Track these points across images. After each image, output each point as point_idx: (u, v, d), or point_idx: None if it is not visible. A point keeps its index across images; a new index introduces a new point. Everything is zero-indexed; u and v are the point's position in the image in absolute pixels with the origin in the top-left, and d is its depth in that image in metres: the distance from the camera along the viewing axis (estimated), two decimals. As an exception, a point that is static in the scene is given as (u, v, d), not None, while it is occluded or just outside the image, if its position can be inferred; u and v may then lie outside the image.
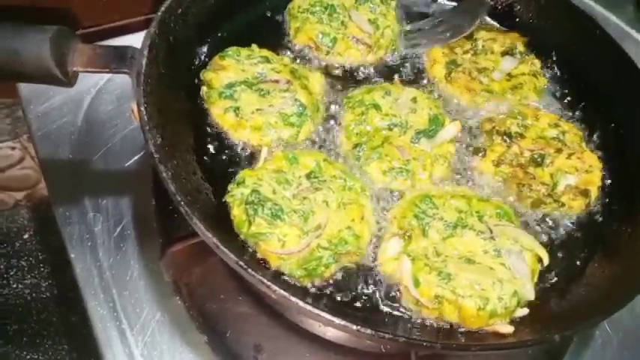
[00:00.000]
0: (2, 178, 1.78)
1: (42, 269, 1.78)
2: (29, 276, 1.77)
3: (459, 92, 1.24)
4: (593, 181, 1.12)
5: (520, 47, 1.33)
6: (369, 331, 0.75)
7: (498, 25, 1.42)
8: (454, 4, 1.42)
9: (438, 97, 1.24)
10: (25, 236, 1.82)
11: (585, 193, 1.10)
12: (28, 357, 1.66)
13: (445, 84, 1.26)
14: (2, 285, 1.74)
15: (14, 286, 1.74)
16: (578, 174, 1.12)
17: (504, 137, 1.17)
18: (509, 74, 1.28)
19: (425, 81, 1.27)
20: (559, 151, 1.15)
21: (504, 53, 1.31)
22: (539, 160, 1.14)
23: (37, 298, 1.72)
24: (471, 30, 1.30)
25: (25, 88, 1.35)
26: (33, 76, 0.92)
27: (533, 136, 1.18)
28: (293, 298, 0.77)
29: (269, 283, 0.77)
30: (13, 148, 1.73)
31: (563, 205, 1.09)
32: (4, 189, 1.80)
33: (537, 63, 1.32)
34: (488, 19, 1.42)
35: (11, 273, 1.77)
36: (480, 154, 1.15)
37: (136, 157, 1.29)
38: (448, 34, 1.31)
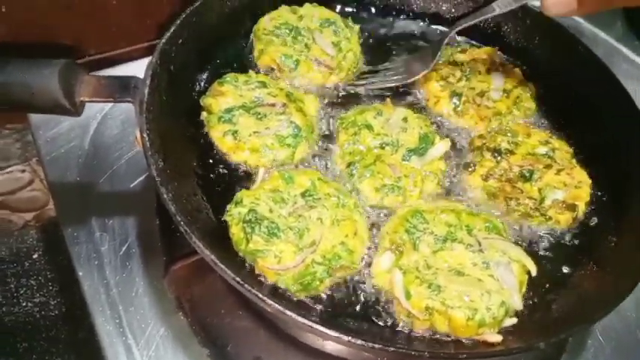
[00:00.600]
0: (12, 200, 1.84)
1: (50, 288, 1.82)
2: (38, 294, 1.81)
3: (474, 123, 1.27)
4: (582, 196, 1.15)
5: (497, 60, 1.39)
6: (359, 341, 0.80)
7: (466, 40, 1.48)
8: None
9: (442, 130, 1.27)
10: (34, 256, 1.87)
11: (572, 208, 1.13)
12: (38, 374, 1.70)
13: (457, 118, 1.28)
14: (12, 304, 1.79)
15: (24, 304, 1.79)
16: (566, 189, 1.14)
17: (494, 153, 1.20)
18: (504, 90, 1.32)
19: (412, 98, 1.32)
20: (548, 167, 1.18)
21: (489, 71, 1.36)
22: (527, 175, 1.17)
23: (46, 315, 1.76)
24: (422, 74, 1.30)
25: (34, 115, 1.41)
26: (43, 107, 0.98)
27: (523, 153, 1.21)
28: (288, 312, 0.81)
29: (264, 297, 0.81)
30: (23, 171, 1.79)
31: (550, 218, 1.12)
32: (14, 210, 1.86)
33: (517, 70, 1.38)
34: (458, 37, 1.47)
35: (21, 292, 1.81)
36: (470, 169, 1.20)
37: (140, 179, 1.35)
38: (401, 77, 1.32)
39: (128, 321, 1.12)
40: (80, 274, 1.18)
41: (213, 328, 1.09)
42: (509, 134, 1.24)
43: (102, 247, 1.22)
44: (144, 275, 1.19)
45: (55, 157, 1.36)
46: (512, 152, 1.21)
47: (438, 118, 1.29)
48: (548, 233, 1.13)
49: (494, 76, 1.35)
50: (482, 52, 1.41)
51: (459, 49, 1.41)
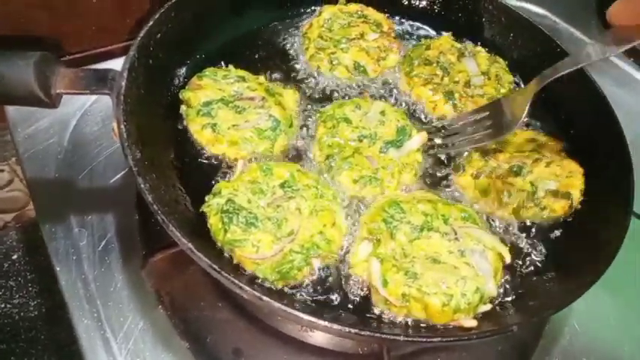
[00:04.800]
0: (-9, 201, 1.82)
1: (30, 289, 1.80)
2: (17, 296, 1.79)
3: None
4: (575, 184, 1.15)
5: (458, 45, 1.42)
6: (335, 326, 0.80)
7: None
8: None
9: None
10: (14, 257, 1.85)
11: (567, 196, 1.13)
12: (17, 376, 1.67)
13: (458, 115, 1.28)
14: (-10, 305, 1.77)
15: (2, 305, 1.76)
16: (558, 179, 1.15)
17: (482, 154, 1.21)
18: (482, 72, 1.35)
19: (393, 99, 1.34)
20: (537, 160, 1.19)
21: (459, 58, 1.38)
22: (517, 170, 1.17)
23: (26, 317, 1.74)
24: (509, 133, 1.17)
25: (12, 112, 1.40)
26: (19, 98, 0.97)
27: (511, 151, 1.21)
28: (265, 298, 0.82)
29: (240, 283, 0.82)
30: (2, 171, 1.77)
31: (544, 208, 1.12)
32: (-7, 211, 1.84)
33: (479, 47, 1.42)
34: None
35: (-1, 293, 1.80)
36: (460, 171, 1.20)
37: (119, 175, 1.34)
38: (489, 133, 1.19)
39: (107, 315, 1.11)
40: (58, 269, 1.17)
41: (192, 321, 1.09)
42: None
43: (80, 242, 1.21)
44: (123, 270, 1.18)
45: (33, 154, 1.34)
46: (499, 151, 1.21)
47: (442, 120, 1.30)
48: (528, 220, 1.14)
49: (466, 62, 1.37)
50: (444, 42, 1.42)
51: (424, 46, 1.42)
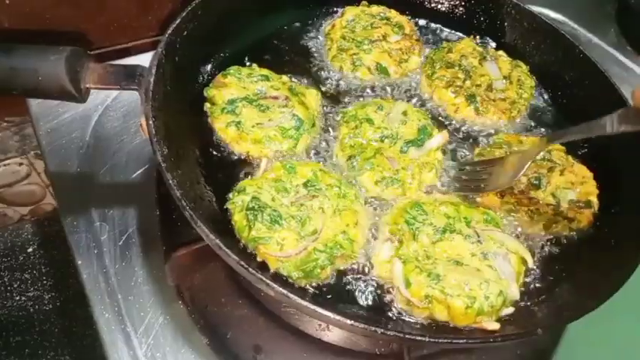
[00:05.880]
0: (9, 194, 1.83)
1: (45, 282, 1.82)
2: (32, 288, 1.81)
3: (497, 118, 1.29)
4: (590, 190, 1.16)
5: (479, 49, 1.42)
6: (361, 325, 0.80)
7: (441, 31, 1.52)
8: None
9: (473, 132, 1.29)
10: (29, 250, 1.87)
11: (588, 204, 1.14)
12: (30, 368, 1.69)
13: (482, 119, 1.29)
14: (5, 297, 1.78)
15: (17, 298, 1.78)
16: (575, 187, 1.16)
17: None
18: (504, 77, 1.35)
19: (414, 101, 1.34)
20: (551, 169, 1.19)
21: (481, 61, 1.38)
22: (536, 183, 1.17)
23: (40, 310, 1.76)
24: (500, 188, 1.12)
25: (35, 106, 1.42)
26: (50, 92, 0.98)
27: None
28: (292, 295, 0.82)
29: (269, 281, 0.82)
30: (21, 164, 1.78)
31: (572, 220, 1.12)
32: (10, 204, 1.85)
33: (501, 52, 1.42)
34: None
35: (15, 286, 1.81)
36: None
37: (140, 171, 1.35)
38: (482, 185, 1.14)
39: (127, 309, 1.12)
40: (79, 262, 1.18)
41: (212, 317, 1.09)
42: (504, 146, 1.24)
43: (102, 236, 1.22)
44: (143, 265, 1.19)
45: (55, 148, 1.36)
46: None
47: (464, 124, 1.30)
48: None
49: (487, 66, 1.37)
50: (465, 45, 1.42)
51: (445, 49, 1.42)
